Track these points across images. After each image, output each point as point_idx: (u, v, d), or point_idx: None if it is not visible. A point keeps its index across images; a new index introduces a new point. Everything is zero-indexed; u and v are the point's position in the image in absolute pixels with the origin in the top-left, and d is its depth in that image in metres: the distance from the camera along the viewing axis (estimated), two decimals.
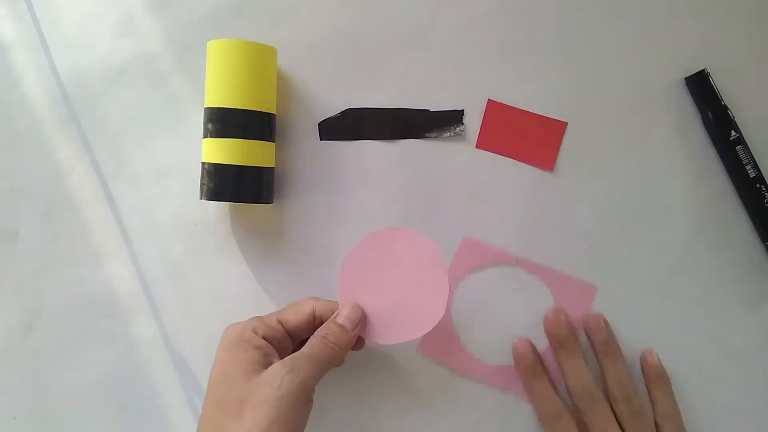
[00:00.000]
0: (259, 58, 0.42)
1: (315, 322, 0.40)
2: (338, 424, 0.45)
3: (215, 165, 0.41)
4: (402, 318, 0.39)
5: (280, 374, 0.34)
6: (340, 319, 0.38)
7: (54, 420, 0.47)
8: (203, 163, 0.42)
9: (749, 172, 0.44)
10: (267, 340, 0.38)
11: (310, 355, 0.36)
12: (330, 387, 0.44)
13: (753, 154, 0.44)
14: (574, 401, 0.41)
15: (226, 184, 0.41)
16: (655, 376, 0.42)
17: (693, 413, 0.44)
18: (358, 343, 0.41)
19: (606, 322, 0.43)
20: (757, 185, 0.43)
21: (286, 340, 0.39)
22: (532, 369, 0.42)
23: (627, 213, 0.45)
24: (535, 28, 0.45)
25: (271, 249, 0.46)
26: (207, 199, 0.42)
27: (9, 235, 0.47)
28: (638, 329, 0.44)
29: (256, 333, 0.37)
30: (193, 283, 0.46)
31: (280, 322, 0.39)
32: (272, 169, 0.44)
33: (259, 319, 0.39)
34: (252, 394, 0.34)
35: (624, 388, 0.41)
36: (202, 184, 0.42)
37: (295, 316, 0.40)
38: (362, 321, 0.39)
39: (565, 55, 0.45)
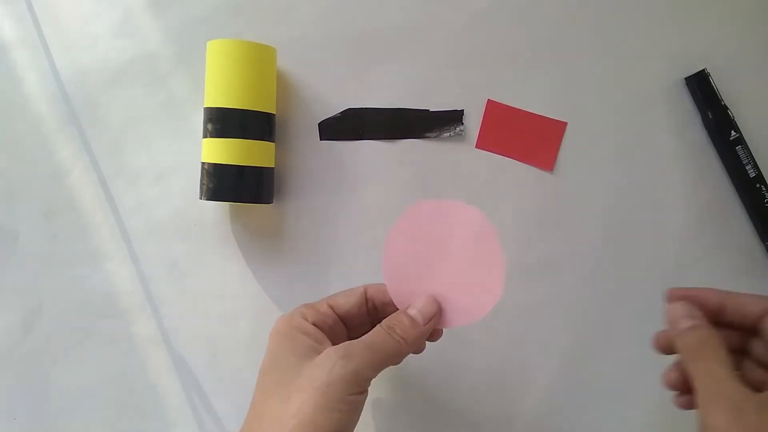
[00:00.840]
0: (259, 58, 0.42)
1: (368, 305, 0.37)
2: None
3: (215, 165, 0.41)
4: (457, 299, 0.36)
5: (333, 359, 0.31)
6: (412, 311, 0.35)
7: (54, 420, 0.47)
8: (203, 163, 0.42)
9: (749, 172, 0.44)
10: (318, 327, 0.35)
11: (371, 343, 0.33)
12: None
13: (753, 154, 0.44)
14: None
15: (226, 184, 0.41)
16: None
17: (693, 413, 0.44)
18: (434, 334, 0.37)
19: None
20: (757, 185, 0.43)
21: (339, 326, 0.37)
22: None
23: (627, 213, 0.45)
24: (535, 28, 0.45)
25: (271, 249, 0.46)
26: (207, 199, 0.42)
27: (9, 235, 0.47)
28: (638, 329, 0.44)
29: (305, 319, 0.35)
30: (193, 283, 0.46)
31: (330, 306, 0.37)
32: (272, 169, 0.44)
33: (309, 305, 0.37)
34: (300, 378, 0.31)
35: None
36: (202, 184, 0.42)
37: (347, 299, 0.37)
38: (436, 317, 0.35)
39: (565, 55, 0.45)
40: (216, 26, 0.46)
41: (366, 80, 0.46)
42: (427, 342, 0.38)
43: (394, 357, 0.33)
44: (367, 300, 0.37)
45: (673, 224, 0.45)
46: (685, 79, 0.45)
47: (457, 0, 0.45)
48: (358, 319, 0.37)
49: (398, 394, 0.45)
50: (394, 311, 0.36)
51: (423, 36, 0.46)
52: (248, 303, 0.46)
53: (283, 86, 0.46)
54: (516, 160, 0.46)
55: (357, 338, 0.35)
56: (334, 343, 0.34)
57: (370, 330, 0.35)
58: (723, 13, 0.45)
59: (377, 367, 0.33)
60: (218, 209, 0.46)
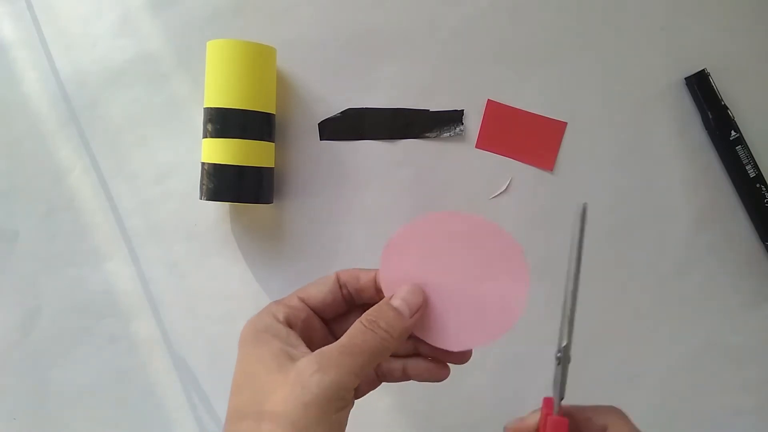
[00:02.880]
0: (259, 58, 0.42)
1: (342, 293, 0.33)
2: None
3: (215, 165, 0.41)
4: (467, 317, 0.32)
5: (306, 374, 0.27)
6: (396, 302, 0.30)
7: (54, 420, 0.47)
8: (203, 164, 0.42)
9: (749, 172, 0.44)
10: (290, 325, 0.31)
11: (350, 345, 0.28)
12: None
13: (753, 154, 0.44)
14: None
15: (225, 184, 0.41)
16: None
17: (693, 413, 0.44)
18: (464, 355, 0.33)
19: None
20: (757, 185, 0.43)
21: (313, 320, 0.33)
22: None
23: (627, 213, 0.45)
24: (535, 28, 0.45)
25: (271, 249, 0.46)
26: (207, 200, 0.42)
27: (9, 235, 0.47)
28: (638, 329, 0.44)
29: (275, 318, 0.31)
30: (193, 283, 0.46)
31: (301, 300, 0.33)
32: (272, 169, 0.44)
33: (278, 301, 0.33)
34: (273, 399, 0.27)
35: None
36: (201, 184, 0.42)
37: (318, 289, 0.33)
38: (422, 308, 0.31)
39: (565, 56, 0.45)
40: (216, 26, 0.46)
41: (366, 80, 0.46)
42: (450, 365, 0.33)
43: (379, 356, 0.29)
44: (341, 286, 0.33)
45: (673, 224, 0.45)
46: (685, 79, 0.45)
47: (457, 0, 0.45)
48: (333, 309, 0.34)
49: (395, 396, 0.45)
50: (369, 297, 0.33)
51: (423, 36, 0.46)
52: (248, 303, 0.46)
53: (283, 86, 0.46)
54: (516, 160, 0.46)
55: (336, 330, 0.32)
56: (309, 341, 0.30)
57: (348, 318, 0.32)
58: (723, 13, 0.45)
59: (360, 372, 0.28)
60: (218, 209, 0.46)
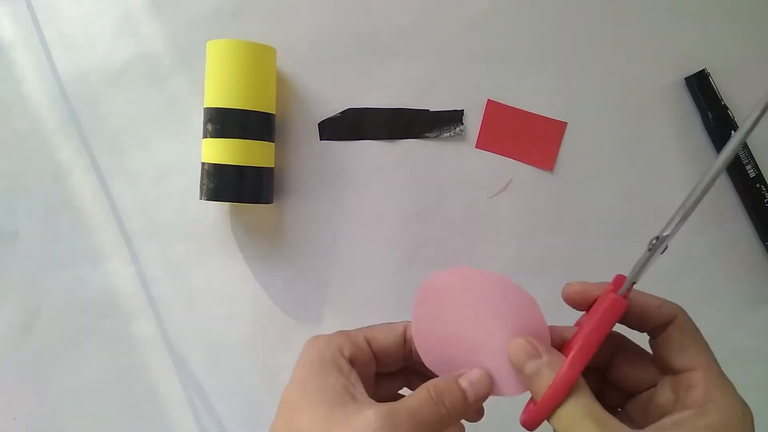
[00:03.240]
0: (259, 58, 0.42)
1: (405, 347, 0.33)
2: None
3: (215, 165, 0.41)
4: (501, 369, 0.31)
5: (373, 426, 0.27)
6: (464, 383, 0.30)
7: (54, 420, 0.47)
8: (203, 164, 0.42)
9: (749, 172, 0.44)
10: (352, 363, 0.31)
11: (417, 412, 0.28)
12: None
13: (753, 154, 0.44)
14: None
15: (225, 184, 0.41)
16: None
17: None
18: (478, 413, 0.32)
19: None
20: (757, 185, 0.43)
21: (372, 363, 0.33)
22: None
23: (627, 213, 0.45)
24: (535, 28, 0.45)
25: (271, 249, 0.46)
26: (207, 199, 0.42)
27: (9, 235, 0.47)
28: None
29: (341, 353, 0.31)
30: (193, 283, 0.46)
31: (368, 341, 0.33)
32: (272, 169, 0.44)
33: (345, 334, 0.32)
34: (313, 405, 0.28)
35: None
36: (202, 184, 0.42)
37: (386, 336, 0.33)
38: (486, 395, 0.31)
39: (564, 55, 0.45)
40: (216, 26, 0.46)
41: (366, 80, 0.46)
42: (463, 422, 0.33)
43: (435, 429, 0.29)
44: (405, 341, 0.33)
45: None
46: (685, 79, 0.45)
47: (457, 0, 0.45)
48: (392, 358, 0.34)
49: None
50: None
51: (423, 36, 0.46)
52: (248, 303, 0.46)
53: (283, 86, 0.46)
54: (516, 160, 0.45)
55: (385, 374, 0.32)
56: (363, 382, 0.31)
57: (400, 368, 0.32)
58: (723, 13, 0.45)
59: None
60: (218, 209, 0.46)
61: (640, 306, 0.30)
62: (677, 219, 0.28)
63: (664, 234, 0.28)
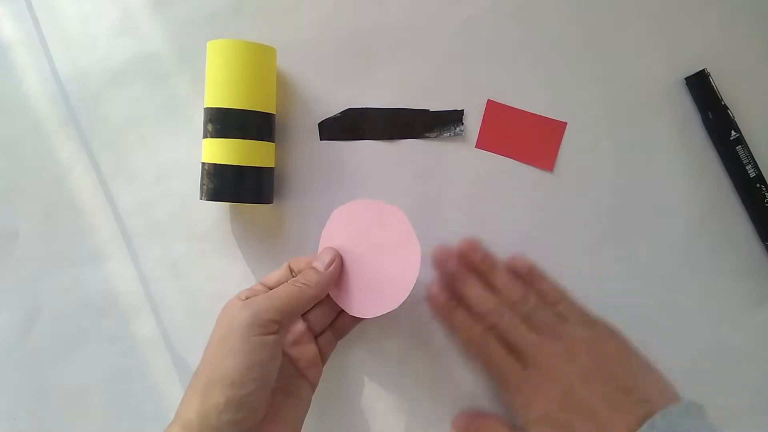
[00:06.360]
0: (259, 58, 0.42)
1: (293, 275, 0.41)
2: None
3: (215, 165, 0.41)
4: (376, 290, 0.40)
5: (235, 309, 0.35)
6: (314, 263, 0.40)
7: (54, 420, 0.47)
8: (203, 164, 0.42)
9: (749, 172, 0.44)
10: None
11: (273, 292, 0.37)
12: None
13: (753, 154, 0.44)
14: (487, 322, 0.41)
15: (226, 184, 0.41)
16: (528, 272, 0.42)
17: None
18: (351, 321, 0.42)
19: (479, 243, 0.42)
20: (757, 185, 0.43)
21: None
22: (446, 306, 0.42)
23: (627, 213, 0.45)
24: (535, 28, 0.45)
25: (271, 249, 0.46)
26: (207, 199, 0.42)
27: (9, 235, 0.47)
28: (638, 329, 0.44)
29: (239, 298, 0.38)
30: (193, 283, 0.46)
31: (262, 284, 0.40)
32: (272, 169, 0.44)
33: (246, 289, 0.40)
34: (212, 334, 0.36)
35: (513, 290, 0.41)
36: (202, 184, 0.42)
37: (274, 274, 0.41)
38: (336, 261, 0.40)
39: (564, 55, 0.45)
40: (216, 26, 0.46)
41: (366, 80, 0.46)
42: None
43: (298, 299, 0.37)
44: (291, 271, 0.41)
45: (673, 224, 0.45)
46: (685, 79, 0.45)
47: (457, 0, 0.45)
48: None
49: (396, 396, 0.45)
50: None
51: (423, 36, 0.46)
52: None
53: (283, 86, 0.46)
54: (516, 160, 0.46)
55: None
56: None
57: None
58: (723, 13, 0.45)
59: (280, 310, 0.36)
60: (218, 209, 0.46)
61: None
62: None
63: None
